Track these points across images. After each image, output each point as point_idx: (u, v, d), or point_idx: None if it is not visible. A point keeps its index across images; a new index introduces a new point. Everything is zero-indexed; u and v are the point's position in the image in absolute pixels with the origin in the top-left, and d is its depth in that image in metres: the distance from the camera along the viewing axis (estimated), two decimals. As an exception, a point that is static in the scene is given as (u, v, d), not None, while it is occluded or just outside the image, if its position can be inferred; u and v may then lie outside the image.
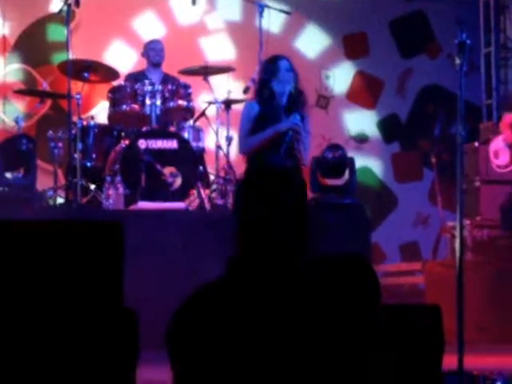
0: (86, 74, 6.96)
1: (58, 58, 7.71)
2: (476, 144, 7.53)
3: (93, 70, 7.04)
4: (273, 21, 8.14)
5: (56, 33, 8.12)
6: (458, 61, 4.66)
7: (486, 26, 9.06)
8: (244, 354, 2.12)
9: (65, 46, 6.66)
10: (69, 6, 6.63)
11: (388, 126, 8.94)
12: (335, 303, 2.19)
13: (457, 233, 4.59)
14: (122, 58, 8.41)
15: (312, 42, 8.84)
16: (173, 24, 8.65)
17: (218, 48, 8.65)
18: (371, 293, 2.28)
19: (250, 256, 2.21)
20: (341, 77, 8.89)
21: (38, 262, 2.44)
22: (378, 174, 8.96)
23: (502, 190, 7.33)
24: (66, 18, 6.65)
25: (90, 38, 8.16)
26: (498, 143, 7.26)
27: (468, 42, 4.62)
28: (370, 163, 8.86)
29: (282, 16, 7.92)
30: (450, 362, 4.34)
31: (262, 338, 2.13)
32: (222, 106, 7.27)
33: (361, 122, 8.94)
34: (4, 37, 8.26)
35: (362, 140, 8.86)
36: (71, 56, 6.70)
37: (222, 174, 7.14)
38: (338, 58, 8.91)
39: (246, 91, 7.20)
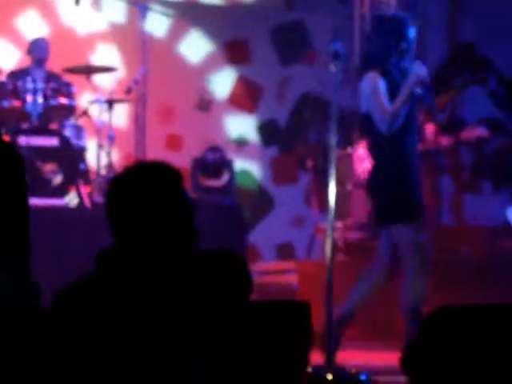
0: (-35, 70, 6.91)
1: None
2: (349, 150, 7.79)
3: (-27, 66, 6.99)
4: (157, 25, 8.27)
5: None
6: (332, 69, 4.84)
7: (361, 36, 9.38)
8: (111, 350, 2.16)
9: None
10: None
11: (267, 131, 9.15)
12: (203, 296, 2.23)
13: (328, 235, 4.82)
14: (5, 56, 8.33)
15: (195, 47, 8.96)
16: (57, 23, 8.61)
17: (102, 49, 8.68)
18: (241, 287, 2.31)
19: (117, 249, 2.27)
20: (222, 82, 9.05)
21: None
22: (256, 177, 9.16)
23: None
24: None
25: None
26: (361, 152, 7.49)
27: (342, 50, 4.82)
28: (249, 166, 9.06)
29: (167, 20, 8.02)
30: (319, 357, 4.61)
31: (129, 331, 2.16)
32: (105, 106, 7.34)
33: (241, 125, 9.11)
34: None
35: (241, 143, 9.05)
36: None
37: (103, 172, 7.22)
38: (221, 64, 9.07)
39: (128, 91, 7.32)
